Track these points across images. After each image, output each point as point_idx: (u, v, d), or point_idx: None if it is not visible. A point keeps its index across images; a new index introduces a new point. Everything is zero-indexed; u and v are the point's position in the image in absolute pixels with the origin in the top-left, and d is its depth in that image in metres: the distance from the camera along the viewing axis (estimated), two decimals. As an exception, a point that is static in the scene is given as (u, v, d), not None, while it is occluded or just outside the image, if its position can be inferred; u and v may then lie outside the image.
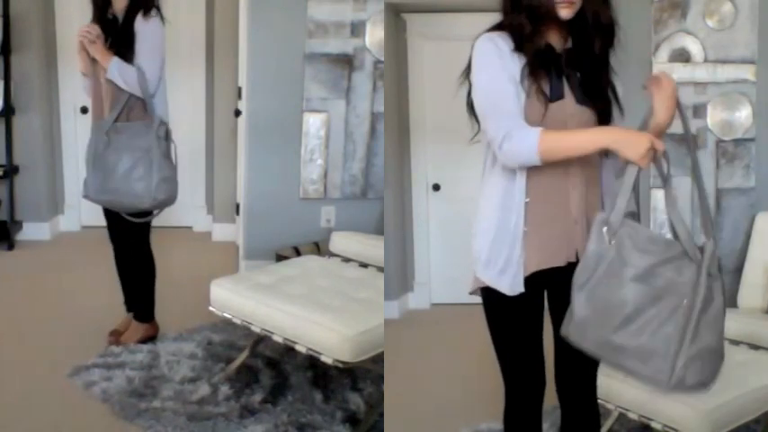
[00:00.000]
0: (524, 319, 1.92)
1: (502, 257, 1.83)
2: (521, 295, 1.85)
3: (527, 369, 1.95)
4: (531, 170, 1.79)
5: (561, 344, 1.92)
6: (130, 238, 3.17)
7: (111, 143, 2.92)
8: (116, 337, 3.29)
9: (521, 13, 1.78)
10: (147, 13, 2.94)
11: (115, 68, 2.89)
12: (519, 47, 1.79)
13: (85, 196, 3.02)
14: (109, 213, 3.16)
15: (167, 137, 2.97)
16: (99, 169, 2.93)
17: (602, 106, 1.86)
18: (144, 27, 2.94)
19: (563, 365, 1.98)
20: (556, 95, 1.80)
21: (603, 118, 1.86)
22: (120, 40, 2.93)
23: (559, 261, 1.85)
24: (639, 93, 3.46)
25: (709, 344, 1.71)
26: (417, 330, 4.40)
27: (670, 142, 3.97)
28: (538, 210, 1.83)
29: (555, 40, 1.83)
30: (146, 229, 3.16)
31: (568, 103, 1.82)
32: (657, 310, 1.68)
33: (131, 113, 2.95)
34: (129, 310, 3.36)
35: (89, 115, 4.98)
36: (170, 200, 3.01)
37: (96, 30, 2.91)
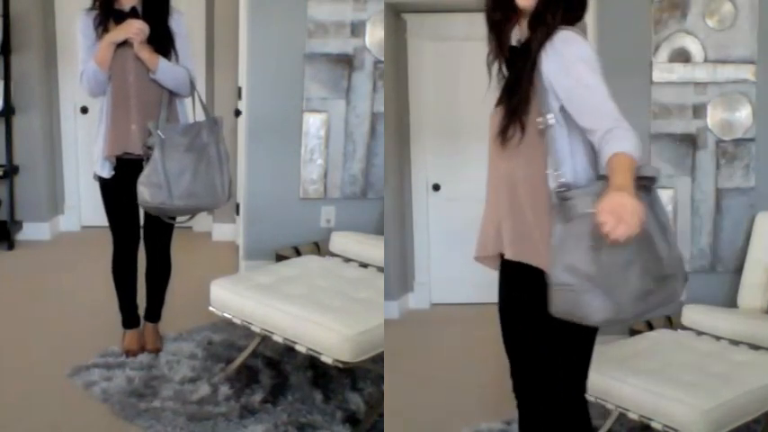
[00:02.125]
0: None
1: None
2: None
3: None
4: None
5: (508, 344, 1.92)
6: (164, 241, 3.16)
7: (178, 145, 2.82)
8: (134, 351, 3.19)
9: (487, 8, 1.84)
10: (170, 13, 2.92)
11: (165, 68, 2.85)
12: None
13: (161, 204, 2.78)
14: (149, 221, 3.06)
15: (221, 134, 2.97)
16: (179, 173, 2.80)
17: (510, 106, 1.73)
18: (179, 27, 2.93)
19: (514, 365, 1.93)
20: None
21: (509, 120, 1.73)
22: (156, 38, 2.84)
23: (483, 252, 1.92)
24: (639, 92, 3.45)
25: None
26: (417, 330, 4.40)
27: (670, 143, 3.95)
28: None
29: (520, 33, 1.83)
30: (172, 231, 3.16)
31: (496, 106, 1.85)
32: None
33: (170, 114, 2.92)
34: (146, 317, 3.29)
35: (89, 115, 5.06)
36: (232, 194, 3.04)
37: (147, 29, 2.81)
